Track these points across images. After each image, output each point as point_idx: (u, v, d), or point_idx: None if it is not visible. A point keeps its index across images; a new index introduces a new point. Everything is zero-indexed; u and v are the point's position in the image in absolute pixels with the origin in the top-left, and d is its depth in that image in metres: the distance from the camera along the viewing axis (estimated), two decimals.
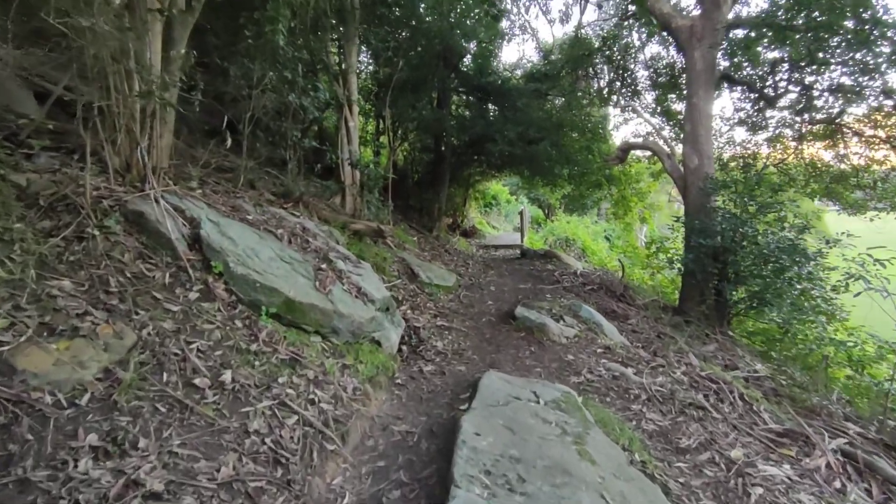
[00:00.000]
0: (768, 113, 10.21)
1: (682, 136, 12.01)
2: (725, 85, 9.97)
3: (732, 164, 11.21)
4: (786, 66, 9.00)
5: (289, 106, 6.03)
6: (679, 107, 13.42)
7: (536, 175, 13.79)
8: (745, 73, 10.17)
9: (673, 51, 12.53)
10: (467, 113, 13.38)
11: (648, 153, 13.35)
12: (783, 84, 9.06)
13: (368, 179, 7.04)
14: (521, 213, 18.99)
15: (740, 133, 30.91)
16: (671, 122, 13.02)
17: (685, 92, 12.20)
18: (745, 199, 7.48)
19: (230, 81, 5.50)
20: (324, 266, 4.07)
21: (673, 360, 5.47)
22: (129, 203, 3.33)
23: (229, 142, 5.23)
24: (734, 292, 7.43)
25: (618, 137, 19.40)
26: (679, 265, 8.98)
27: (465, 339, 5.27)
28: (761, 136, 12.19)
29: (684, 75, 12.42)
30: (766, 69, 10.38)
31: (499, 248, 16.28)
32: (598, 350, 5.09)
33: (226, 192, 4.90)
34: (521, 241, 17.42)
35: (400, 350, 4.49)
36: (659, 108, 13.16)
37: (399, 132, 13.21)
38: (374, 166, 7.07)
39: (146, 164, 3.68)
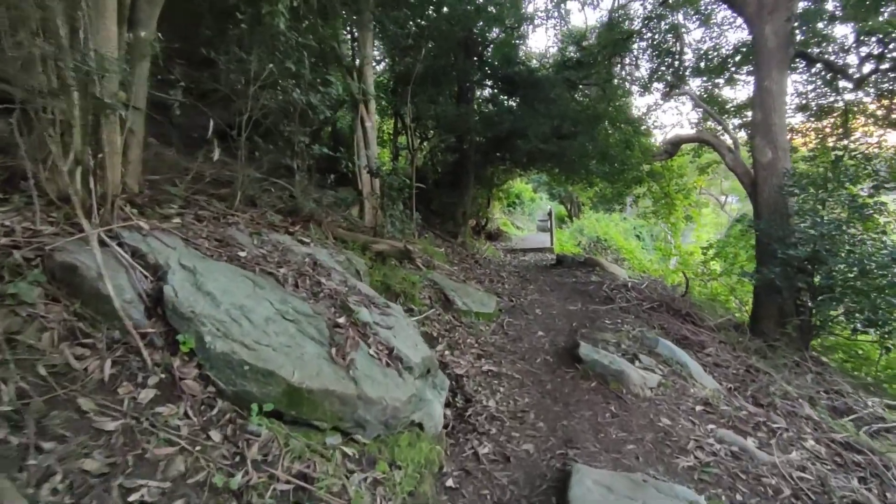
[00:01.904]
0: (847, 96, 8.87)
1: (749, 125, 10.77)
2: (797, 65, 8.67)
3: (797, 156, 9.94)
4: (872, 40, 7.67)
5: (295, 105, 4.97)
6: (731, 93, 12.12)
7: (569, 173, 12.59)
8: (815, 49, 8.86)
9: (717, 31, 11.29)
10: (492, 107, 12.21)
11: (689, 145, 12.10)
12: (870, 62, 7.73)
13: (391, 189, 5.96)
14: (549, 213, 17.78)
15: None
16: (716, 111, 11.73)
17: (748, 75, 10.94)
18: (842, 199, 6.24)
19: (221, 76, 4.47)
20: (342, 320, 2.99)
21: (784, 410, 4.32)
22: (57, 252, 2.28)
23: (217, 152, 4.18)
24: (829, 310, 6.18)
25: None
26: (741, 272, 7.79)
27: (521, 393, 4.16)
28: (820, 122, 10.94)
29: (732, 59, 11.21)
30: (839, 45, 9.08)
31: (527, 251, 15.18)
32: (697, 407, 3.94)
33: (215, 216, 3.84)
34: (551, 243, 16.26)
35: (444, 417, 3.40)
36: (706, 95, 11.88)
37: (418, 131, 12.14)
38: (396, 174, 5.98)
39: (93, 190, 2.63)
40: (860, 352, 8.09)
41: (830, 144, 9.27)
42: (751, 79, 11.24)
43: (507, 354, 4.99)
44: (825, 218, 6.34)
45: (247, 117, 4.64)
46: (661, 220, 12.49)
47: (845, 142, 9.01)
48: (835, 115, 10.55)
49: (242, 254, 3.21)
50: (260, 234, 3.75)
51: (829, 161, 6.51)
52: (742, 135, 11.00)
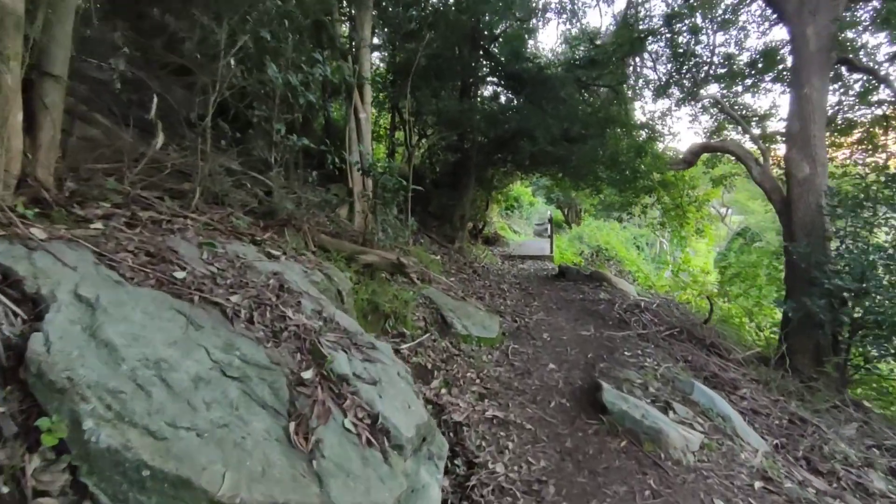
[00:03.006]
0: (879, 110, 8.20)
1: (768, 137, 10.12)
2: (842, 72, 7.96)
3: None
4: None
5: (272, 86, 4.16)
6: (750, 101, 11.42)
7: (575, 178, 11.82)
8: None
9: (741, 33, 10.56)
10: (498, 104, 11.42)
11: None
12: None
13: (385, 191, 5.15)
14: (549, 221, 17.04)
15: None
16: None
17: (772, 82, 10.25)
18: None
19: (181, 46, 3.65)
20: (309, 374, 2.19)
21: (851, 482, 3.58)
22: None
23: (160, 139, 3.35)
24: (875, 349, 5.47)
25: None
26: (774, 300, 7.06)
27: (535, 451, 3.37)
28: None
29: (756, 64, 10.49)
30: (872, 54, 8.40)
31: (526, 258, 14.42)
32: (756, 483, 3.16)
33: (158, 219, 3.02)
34: (550, 251, 15.52)
35: (441, 490, 2.60)
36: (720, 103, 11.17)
37: (417, 127, 11.33)
38: (391, 174, 5.16)
39: None
40: (889, 388, 7.37)
41: (872, 160, 8.57)
42: (775, 87, 10.61)
43: (515, 394, 4.20)
44: (871, 244, 5.63)
45: (214, 98, 3.85)
46: (672, 233, 11.76)
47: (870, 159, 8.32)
48: (861, 129, 9.89)
49: (180, 275, 2.39)
50: (213, 244, 2.92)
51: (880, 180, 5.78)
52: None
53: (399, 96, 9.29)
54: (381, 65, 11.87)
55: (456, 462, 3.09)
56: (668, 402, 3.98)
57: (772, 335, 8.83)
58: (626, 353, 5.28)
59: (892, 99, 8.60)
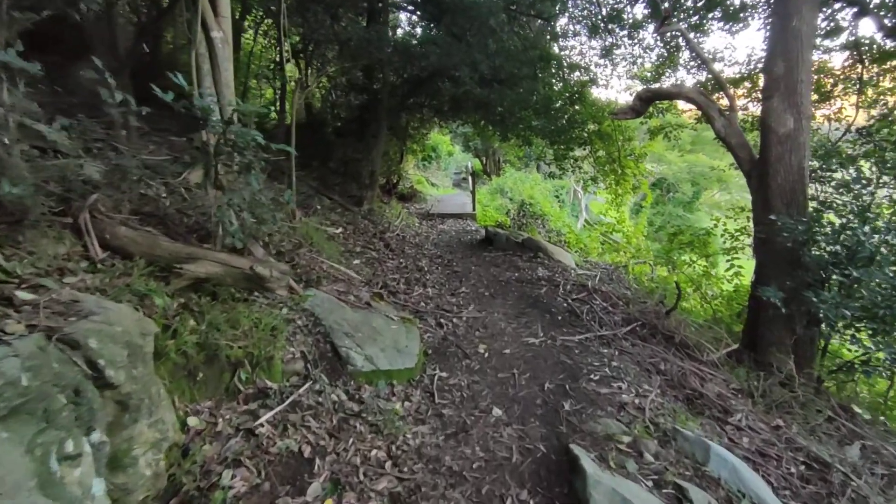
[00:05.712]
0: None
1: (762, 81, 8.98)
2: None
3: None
4: None
5: None
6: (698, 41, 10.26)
7: (502, 127, 10.18)
8: None
9: None
10: (414, 35, 9.37)
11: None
12: None
13: (233, 149, 3.20)
14: (471, 173, 15.47)
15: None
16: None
17: (720, 21, 9.06)
18: None
19: None
20: None
21: None
22: None
23: None
24: (884, 350, 4.47)
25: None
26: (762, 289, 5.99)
27: None
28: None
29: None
30: None
31: (446, 217, 12.91)
32: None
33: None
34: (472, 207, 14.08)
35: None
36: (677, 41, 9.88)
37: (315, 61, 9.05)
38: (242, 122, 3.20)
39: None
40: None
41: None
42: (720, 26, 9.43)
43: (448, 485, 2.64)
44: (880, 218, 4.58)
45: None
46: (609, 192, 10.60)
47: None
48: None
49: None
50: None
51: (889, 137, 4.66)
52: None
53: (281, 13, 7.02)
54: None
55: None
56: (680, 488, 2.62)
57: (718, 306, 8.03)
58: (592, 377, 3.89)
59: (855, 40, 7.68)
